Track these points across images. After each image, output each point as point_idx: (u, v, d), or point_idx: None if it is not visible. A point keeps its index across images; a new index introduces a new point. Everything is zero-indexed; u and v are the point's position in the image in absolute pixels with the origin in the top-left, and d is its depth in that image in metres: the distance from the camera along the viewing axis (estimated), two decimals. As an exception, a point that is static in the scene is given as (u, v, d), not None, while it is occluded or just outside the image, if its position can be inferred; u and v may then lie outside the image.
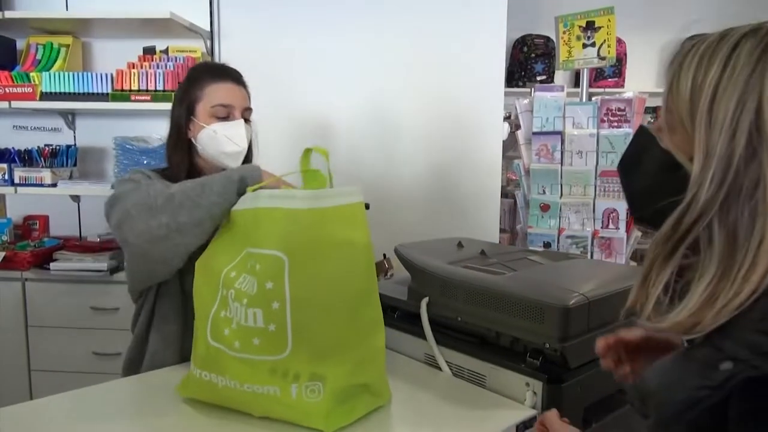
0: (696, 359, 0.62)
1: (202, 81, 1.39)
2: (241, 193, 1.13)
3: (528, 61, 4.03)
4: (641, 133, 0.76)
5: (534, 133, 2.22)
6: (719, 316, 0.59)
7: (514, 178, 2.64)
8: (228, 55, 2.55)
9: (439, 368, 1.23)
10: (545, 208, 2.24)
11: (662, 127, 0.71)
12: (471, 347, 1.19)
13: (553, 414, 0.90)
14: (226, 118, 1.37)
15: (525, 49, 4.04)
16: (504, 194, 2.78)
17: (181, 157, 1.39)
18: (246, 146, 1.39)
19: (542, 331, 1.06)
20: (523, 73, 4.06)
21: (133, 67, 2.33)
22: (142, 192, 1.18)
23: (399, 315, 1.36)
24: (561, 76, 4.07)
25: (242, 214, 1.05)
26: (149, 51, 2.48)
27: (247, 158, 1.44)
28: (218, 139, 1.36)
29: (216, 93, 1.37)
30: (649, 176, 0.73)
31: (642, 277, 0.67)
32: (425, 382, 1.20)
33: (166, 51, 2.50)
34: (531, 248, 1.87)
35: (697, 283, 0.61)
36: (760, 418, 0.56)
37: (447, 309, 1.23)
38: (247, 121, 1.42)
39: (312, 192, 1.02)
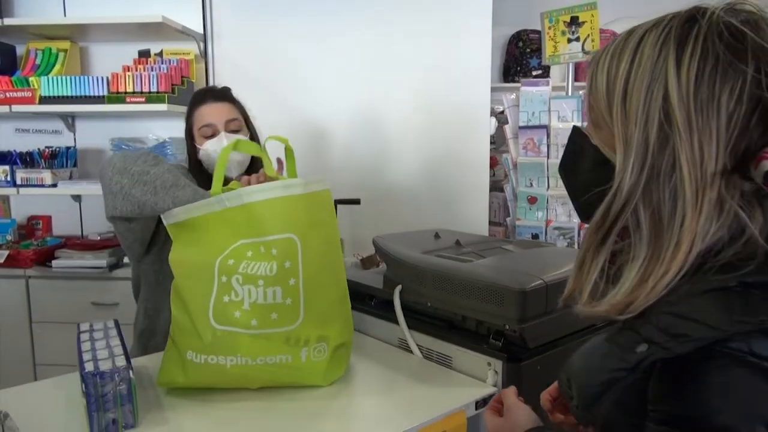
0: (616, 343, 0.64)
1: (193, 107, 1.51)
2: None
3: (523, 56, 4.06)
4: (575, 133, 0.78)
5: (520, 128, 2.26)
6: (650, 296, 0.61)
7: (507, 172, 2.68)
8: (221, 56, 2.61)
9: (411, 351, 1.28)
10: (533, 200, 2.29)
11: (589, 124, 0.73)
12: (439, 331, 1.25)
13: (510, 391, 0.90)
14: (212, 136, 1.46)
15: (520, 44, 4.07)
16: (499, 188, 2.82)
17: (198, 177, 1.47)
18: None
19: (503, 314, 1.11)
20: (518, 68, 4.08)
21: (128, 70, 2.40)
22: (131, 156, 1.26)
23: (375, 302, 1.42)
24: (557, 71, 4.08)
25: (232, 211, 1.11)
26: (144, 54, 2.55)
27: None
28: (211, 156, 1.45)
29: (200, 116, 1.49)
30: (585, 173, 0.75)
31: (577, 266, 0.70)
32: (397, 364, 1.26)
33: (160, 54, 2.57)
34: (508, 239, 1.91)
35: (630, 266, 0.64)
36: (674, 397, 0.57)
37: (418, 295, 1.29)
38: (235, 131, 1.48)
39: (301, 180, 1.14)
